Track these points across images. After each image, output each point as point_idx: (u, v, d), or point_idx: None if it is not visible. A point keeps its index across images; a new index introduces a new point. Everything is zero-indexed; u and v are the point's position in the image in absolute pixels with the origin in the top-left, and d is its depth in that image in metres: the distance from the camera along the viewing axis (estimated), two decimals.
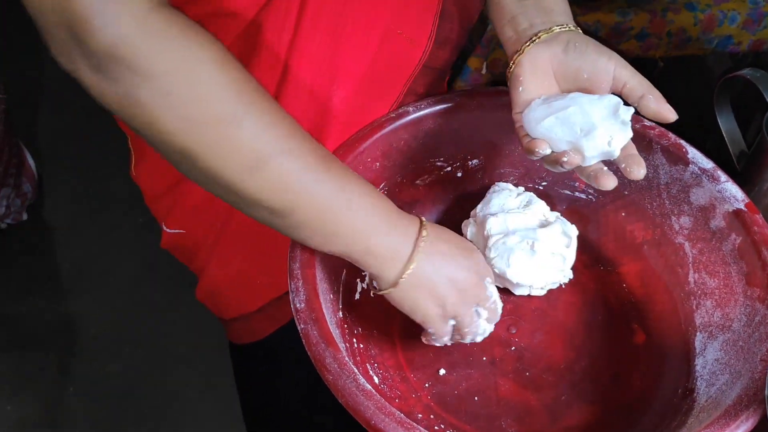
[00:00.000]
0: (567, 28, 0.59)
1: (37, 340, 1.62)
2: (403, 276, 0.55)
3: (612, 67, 0.57)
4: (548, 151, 0.56)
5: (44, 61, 1.97)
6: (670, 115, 0.55)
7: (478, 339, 0.61)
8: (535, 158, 0.57)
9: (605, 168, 0.56)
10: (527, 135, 0.57)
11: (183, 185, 0.71)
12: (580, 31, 0.60)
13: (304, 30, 0.59)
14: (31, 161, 1.80)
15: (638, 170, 0.54)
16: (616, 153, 0.55)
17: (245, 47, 0.59)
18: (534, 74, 0.58)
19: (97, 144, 1.64)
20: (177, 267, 0.86)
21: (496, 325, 0.65)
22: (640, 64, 1.39)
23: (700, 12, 1.22)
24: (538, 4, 0.61)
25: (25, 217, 1.80)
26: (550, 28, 0.59)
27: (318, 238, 0.55)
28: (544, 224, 0.65)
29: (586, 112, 0.54)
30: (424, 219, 0.58)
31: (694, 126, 1.06)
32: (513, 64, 0.60)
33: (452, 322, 0.59)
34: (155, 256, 0.84)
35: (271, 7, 0.58)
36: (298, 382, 0.79)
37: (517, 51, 0.59)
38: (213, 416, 1.50)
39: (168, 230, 0.76)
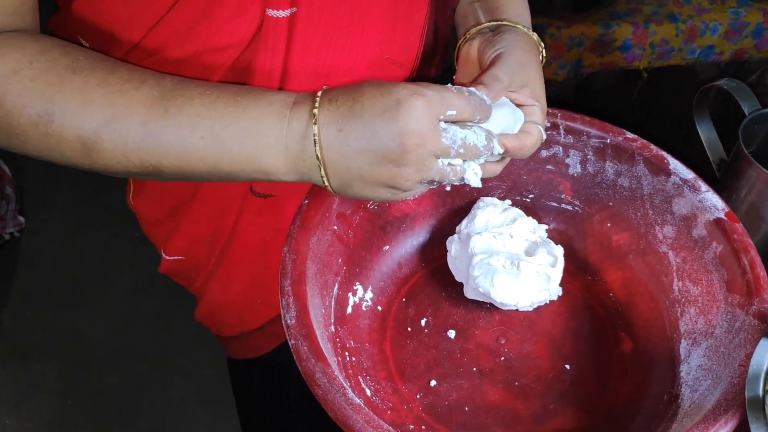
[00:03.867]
0: (502, 24, 0.61)
1: (35, 353, 1.63)
2: (327, 181, 0.50)
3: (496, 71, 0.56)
4: None
5: None
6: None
7: (477, 178, 0.52)
8: None
9: None
10: None
11: (182, 213, 0.72)
12: (521, 28, 0.61)
13: (294, 64, 0.60)
14: (4, 166, 1.83)
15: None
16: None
17: (236, 79, 0.61)
18: (465, 66, 0.62)
19: None
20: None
21: (485, 336, 0.66)
22: (625, 75, 1.43)
23: (682, 23, 1.24)
24: (485, 5, 0.65)
25: (22, 220, 1.82)
26: (481, 24, 0.62)
27: (214, 178, 0.52)
28: (530, 251, 0.66)
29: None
30: (317, 97, 0.49)
31: (679, 135, 1.08)
32: (455, 54, 0.65)
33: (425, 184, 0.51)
34: (153, 268, 0.86)
35: (259, 44, 0.59)
36: (298, 396, 0.80)
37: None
38: (210, 428, 1.51)
39: (167, 257, 0.76)
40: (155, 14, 0.56)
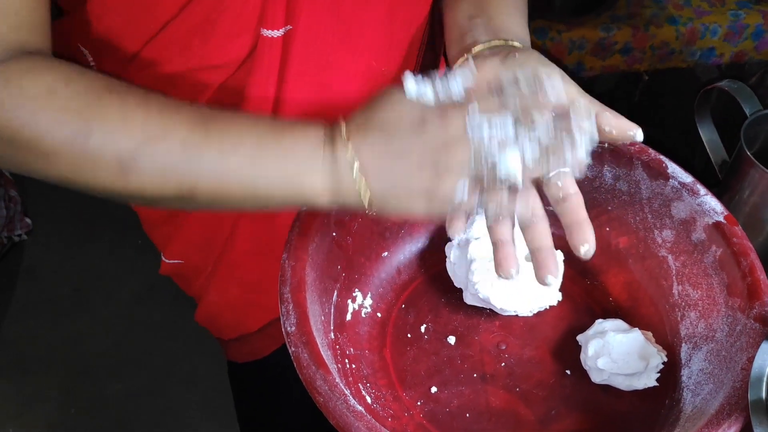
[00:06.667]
0: (510, 43, 0.57)
1: (38, 362, 1.64)
2: (363, 196, 0.49)
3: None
4: None
5: None
6: (634, 130, 0.52)
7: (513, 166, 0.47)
8: None
9: None
10: None
11: (180, 217, 0.72)
12: (529, 48, 0.58)
13: (289, 81, 0.60)
14: (4, 170, 1.85)
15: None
16: None
17: (230, 95, 0.61)
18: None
19: None
20: (176, 287, 0.87)
21: (485, 341, 0.66)
22: (626, 78, 1.43)
23: (682, 25, 1.24)
24: (488, 24, 0.59)
25: (29, 222, 1.84)
26: (489, 40, 0.57)
27: (248, 204, 0.51)
28: (529, 256, 0.66)
29: None
30: (344, 125, 0.49)
31: (681, 136, 1.08)
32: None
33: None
34: (155, 277, 0.86)
35: (254, 63, 0.59)
36: (298, 399, 0.80)
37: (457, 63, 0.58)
38: None
39: (167, 261, 0.77)
40: (151, 28, 0.57)
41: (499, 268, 0.53)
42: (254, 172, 0.49)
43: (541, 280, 0.52)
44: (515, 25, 0.60)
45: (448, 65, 0.61)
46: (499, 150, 0.47)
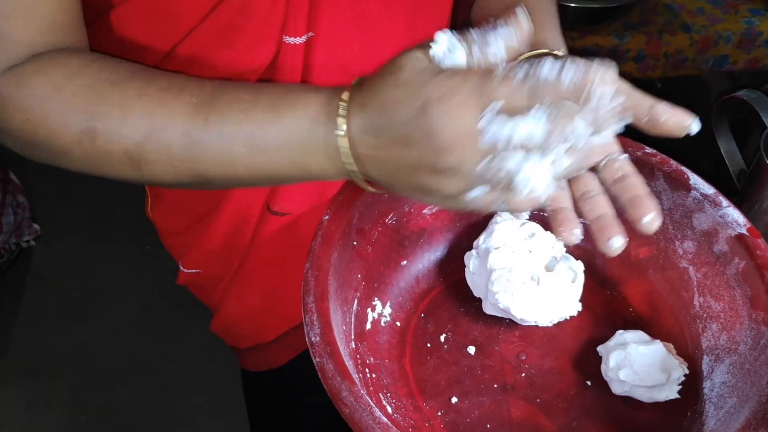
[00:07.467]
0: (554, 52, 0.56)
1: (48, 368, 1.64)
2: (370, 188, 0.49)
3: None
4: None
5: None
6: (689, 121, 0.47)
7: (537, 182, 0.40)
8: None
9: None
10: None
11: (199, 226, 0.72)
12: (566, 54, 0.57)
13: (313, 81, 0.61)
14: (13, 176, 1.86)
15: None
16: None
17: None
18: None
19: None
20: (186, 294, 0.88)
21: (506, 352, 0.66)
22: (639, 85, 1.42)
23: (696, 33, 1.24)
24: None
25: (38, 228, 1.83)
26: (528, 51, 0.54)
27: (264, 184, 0.51)
28: (549, 267, 0.66)
29: None
30: (346, 102, 0.45)
31: (693, 144, 1.07)
32: None
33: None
34: (164, 283, 0.87)
35: (276, 69, 0.59)
36: (312, 408, 0.80)
37: None
38: None
39: (185, 270, 0.77)
40: (174, 37, 0.57)
41: (560, 230, 0.49)
42: (260, 159, 0.48)
43: (605, 245, 0.47)
44: (555, 39, 0.60)
45: None
46: (521, 158, 0.39)
